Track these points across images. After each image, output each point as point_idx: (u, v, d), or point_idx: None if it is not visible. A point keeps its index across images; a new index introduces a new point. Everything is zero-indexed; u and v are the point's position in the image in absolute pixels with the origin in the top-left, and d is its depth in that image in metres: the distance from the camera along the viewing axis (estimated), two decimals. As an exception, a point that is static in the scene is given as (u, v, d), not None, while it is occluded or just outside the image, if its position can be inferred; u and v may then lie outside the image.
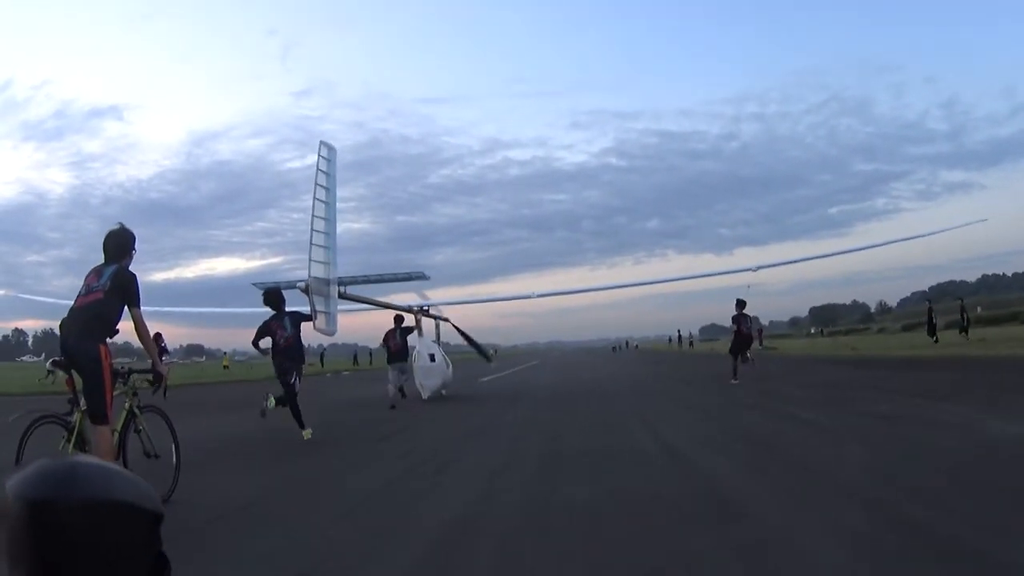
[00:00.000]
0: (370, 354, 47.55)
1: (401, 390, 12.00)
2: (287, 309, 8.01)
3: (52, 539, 0.51)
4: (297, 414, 7.61)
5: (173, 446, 4.97)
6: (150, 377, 4.82)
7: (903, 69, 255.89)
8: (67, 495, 0.52)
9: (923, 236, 22.24)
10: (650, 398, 11.54)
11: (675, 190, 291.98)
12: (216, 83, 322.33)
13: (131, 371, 4.76)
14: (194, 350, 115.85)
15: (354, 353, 50.51)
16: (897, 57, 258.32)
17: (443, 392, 13.51)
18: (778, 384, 12.52)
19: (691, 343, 60.68)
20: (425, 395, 12.31)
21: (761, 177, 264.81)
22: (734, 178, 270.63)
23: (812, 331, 72.93)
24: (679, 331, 59.46)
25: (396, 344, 12.30)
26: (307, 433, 7.55)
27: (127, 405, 4.65)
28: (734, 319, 13.39)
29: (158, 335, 17.71)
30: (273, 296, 7.96)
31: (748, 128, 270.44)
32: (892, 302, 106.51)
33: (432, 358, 12.61)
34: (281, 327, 7.66)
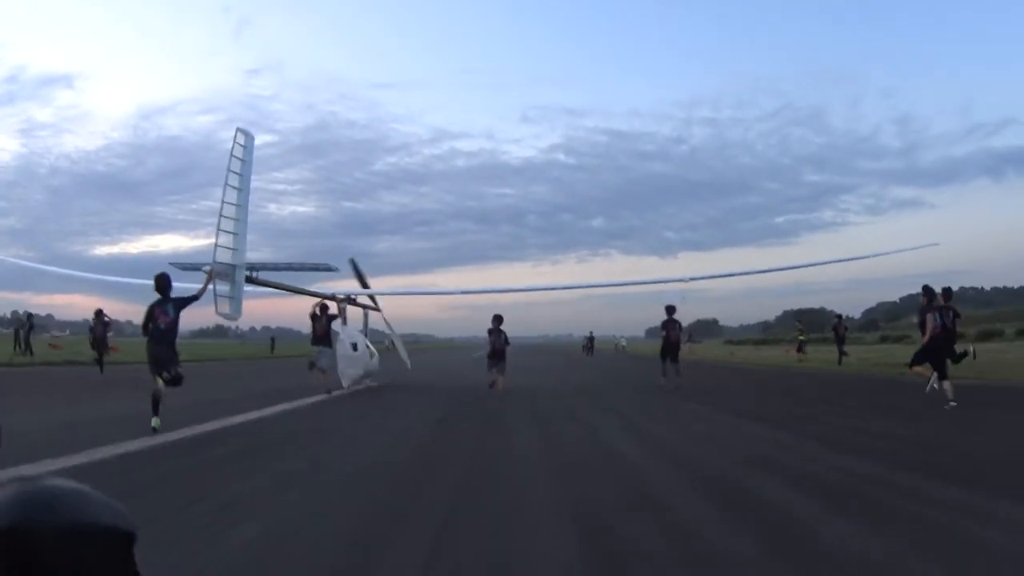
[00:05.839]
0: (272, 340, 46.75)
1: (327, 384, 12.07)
2: (172, 296, 8.08)
3: (29, 566, 0.50)
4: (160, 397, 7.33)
5: None
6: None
7: (860, 81, 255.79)
8: (43, 520, 0.51)
9: (875, 256, 23.49)
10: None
11: (622, 190, 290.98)
12: (168, 57, 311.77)
13: None
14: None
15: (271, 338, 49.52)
16: (855, 68, 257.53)
17: (368, 382, 13.70)
18: None
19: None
20: (346, 383, 12.47)
21: (709, 182, 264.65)
22: (682, 181, 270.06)
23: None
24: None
25: (321, 328, 12.59)
26: (156, 422, 7.21)
27: None
28: (663, 324, 13.87)
29: (99, 311, 17.73)
30: (161, 281, 8.04)
31: (699, 132, 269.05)
32: (855, 312, 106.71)
33: (354, 347, 12.80)
34: (164, 312, 7.76)
